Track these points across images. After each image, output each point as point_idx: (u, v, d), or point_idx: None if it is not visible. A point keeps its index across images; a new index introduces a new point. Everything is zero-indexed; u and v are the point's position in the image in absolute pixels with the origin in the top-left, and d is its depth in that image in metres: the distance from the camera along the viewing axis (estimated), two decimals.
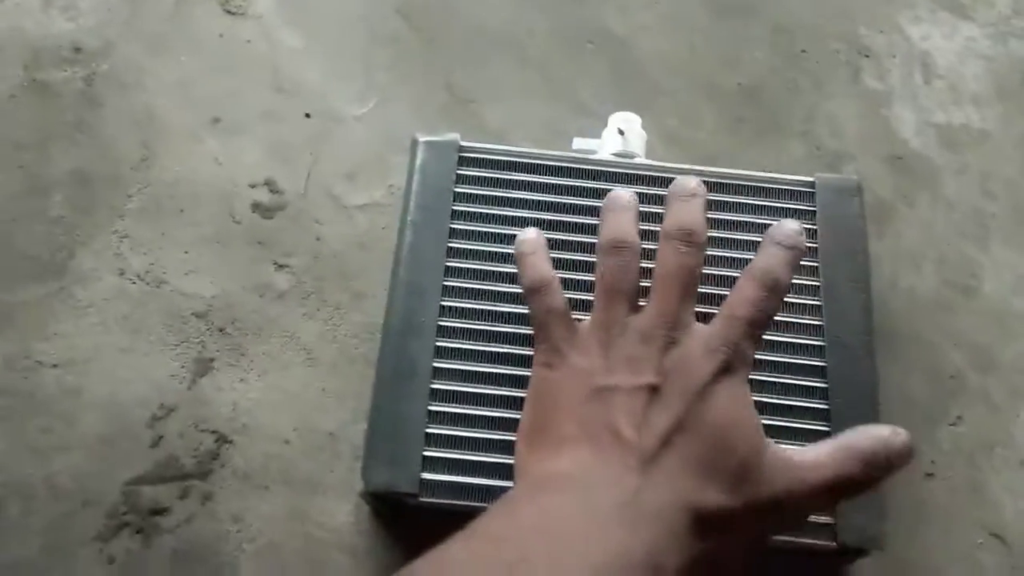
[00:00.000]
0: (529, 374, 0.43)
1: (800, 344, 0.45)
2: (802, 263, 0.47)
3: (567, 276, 0.46)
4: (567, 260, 0.46)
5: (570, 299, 0.45)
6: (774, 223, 0.41)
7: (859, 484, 0.35)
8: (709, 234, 0.47)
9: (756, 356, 0.39)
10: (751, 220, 0.48)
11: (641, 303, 0.39)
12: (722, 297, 0.45)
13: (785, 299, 0.40)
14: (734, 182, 0.49)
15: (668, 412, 0.35)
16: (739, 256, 0.47)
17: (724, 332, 0.37)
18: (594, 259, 0.46)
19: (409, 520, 0.46)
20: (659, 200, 0.48)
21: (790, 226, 0.40)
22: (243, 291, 0.51)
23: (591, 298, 0.45)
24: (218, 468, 0.47)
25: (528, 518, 0.33)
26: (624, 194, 0.42)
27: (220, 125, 0.55)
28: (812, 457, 0.35)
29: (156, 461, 0.47)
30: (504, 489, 0.41)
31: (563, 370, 0.38)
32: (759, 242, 0.46)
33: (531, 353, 0.44)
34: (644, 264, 0.41)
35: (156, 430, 0.48)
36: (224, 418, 0.48)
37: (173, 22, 0.59)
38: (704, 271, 0.46)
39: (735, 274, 0.46)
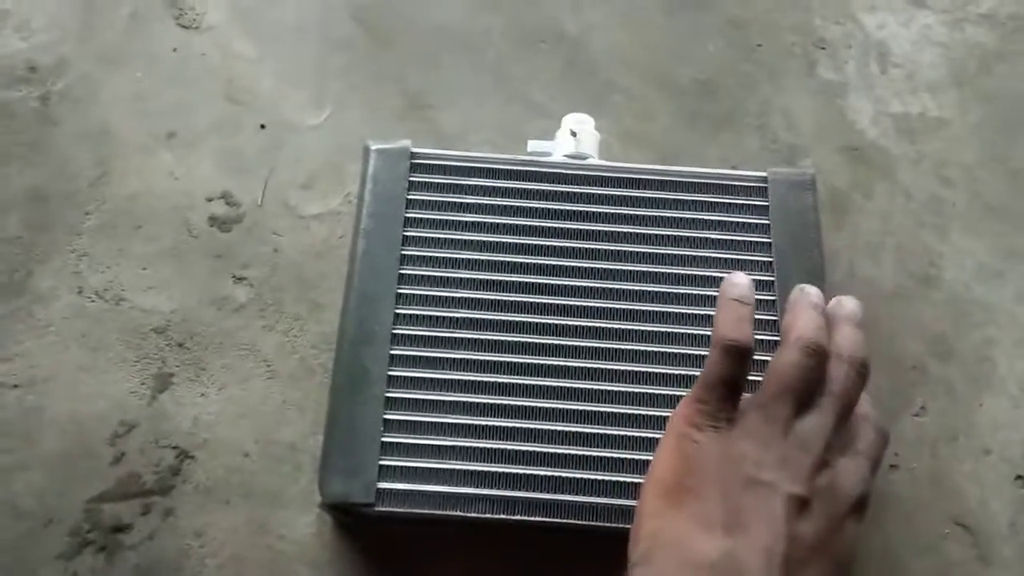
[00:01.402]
0: (484, 378, 0.44)
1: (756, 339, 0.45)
2: (756, 258, 0.47)
3: (519, 280, 0.46)
4: (520, 264, 0.46)
5: (517, 302, 0.45)
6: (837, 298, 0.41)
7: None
8: (667, 233, 0.47)
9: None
10: (705, 217, 0.48)
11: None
12: (677, 296, 0.46)
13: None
14: (687, 180, 0.49)
15: (814, 530, 0.35)
16: (695, 254, 0.47)
17: (865, 473, 0.38)
18: (548, 261, 0.46)
19: (372, 530, 0.46)
20: (615, 201, 0.48)
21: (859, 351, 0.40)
22: (202, 305, 0.51)
23: (538, 300, 0.45)
24: (179, 483, 0.47)
25: None
26: (816, 291, 0.42)
27: (175, 139, 0.55)
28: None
29: (118, 478, 0.47)
30: (463, 496, 0.41)
31: (718, 445, 0.37)
32: (714, 240, 0.47)
33: (488, 358, 0.44)
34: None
35: (117, 447, 0.48)
36: (185, 433, 0.48)
37: (127, 38, 0.58)
38: (660, 269, 0.46)
39: (692, 272, 0.46)
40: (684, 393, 0.43)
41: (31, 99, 0.56)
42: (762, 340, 0.45)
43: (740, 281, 0.40)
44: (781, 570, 0.34)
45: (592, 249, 0.47)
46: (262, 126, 0.56)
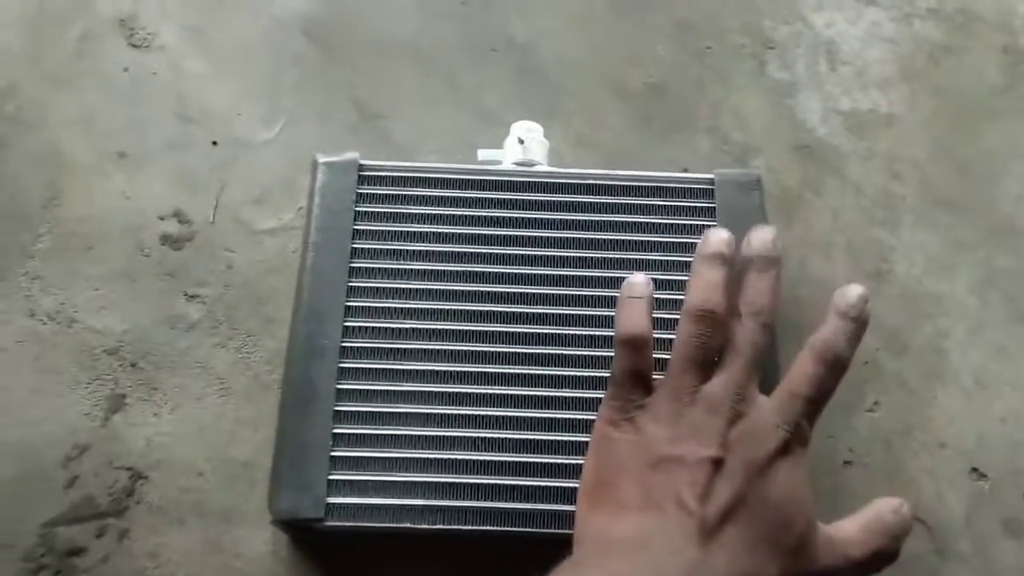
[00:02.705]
0: (434, 389, 0.44)
1: None
2: None
3: (469, 288, 0.46)
4: (469, 272, 0.46)
5: (468, 311, 0.45)
6: (838, 289, 0.41)
7: (885, 557, 0.38)
8: (616, 237, 0.47)
9: (662, 356, 0.40)
10: (653, 221, 0.48)
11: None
12: (615, 300, 0.46)
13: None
14: (635, 184, 0.49)
15: (730, 486, 0.35)
16: (643, 257, 0.47)
17: (786, 410, 0.38)
18: (498, 269, 0.46)
19: (328, 546, 0.45)
20: (564, 207, 0.48)
21: (855, 292, 0.40)
22: (154, 324, 0.51)
23: (489, 308, 0.45)
24: (133, 505, 0.47)
25: None
26: (715, 249, 0.42)
27: (127, 159, 0.55)
28: (849, 534, 0.38)
29: (71, 502, 0.47)
30: (416, 508, 0.41)
31: (630, 433, 0.38)
32: (663, 243, 0.47)
33: (439, 368, 0.44)
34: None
35: (70, 470, 0.47)
36: (138, 454, 0.48)
37: (77, 59, 0.58)
38: (609, 274, 0.46)
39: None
40: None
41: None
42: None
43: (635, 280, 0.41)
44: (699, 535, 0.34)
45: (543, 256, 0.47)
46: (214, 143, 0.56)
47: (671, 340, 0.40)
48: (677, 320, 0.41)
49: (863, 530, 0.38)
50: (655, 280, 0.46)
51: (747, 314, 0.40)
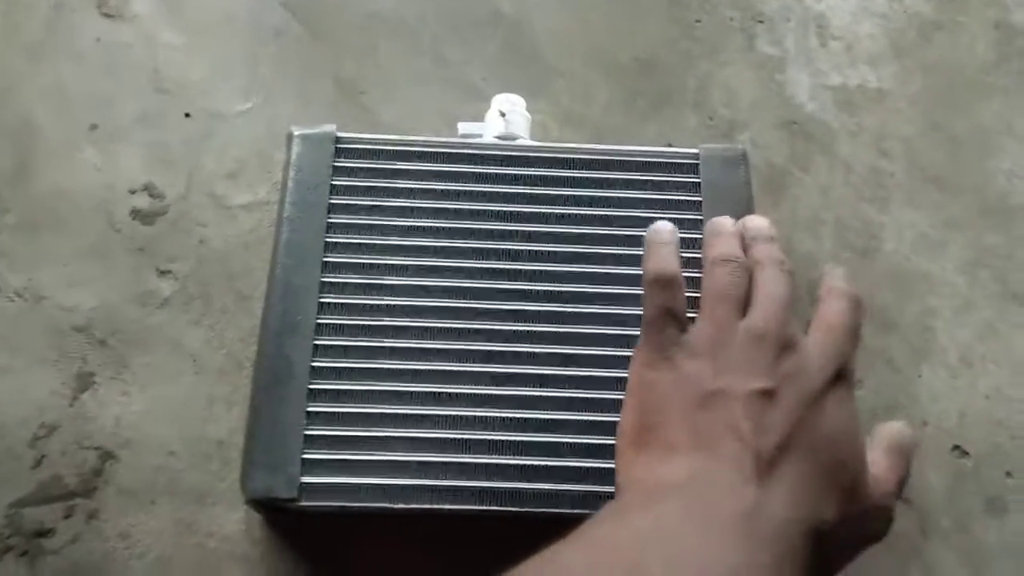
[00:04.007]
0: (410, 366, 0.42)
1: (688, 317, 0.44)
2: (688, 235, 0.46)
3: (447, 264, 0.45)
4: (448, 247, 0.45)
5: (447, 287, 0.44)
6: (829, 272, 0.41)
7: (906, 480, 0.37)
8: (599, 212, 0.46)
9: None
10: (637, 196, 0.47)
11: None
12: (608, 276, 0.45)
13: None
14: (619, 158, 0.48)
15: (785, 418, 0.33)
16: (628, 233, 0.46)
17: (828, 344, 0.36)
18: (478, 244, 0.45)
19: (303, 525, 0.44)
20: (546, 182, 0.47)
21: (840, 273, 0.40)
22: (125, 301, 0.49)
23: (468, 284, 0.44)
24: (103, 485, 0.45)
25: (642, 525, 0.31)
26: (727, 220, 0.42)
27: (98, 131, 0.54)
28: (882, 467, 0.36)
29: (39, 481, 0.45)
30: (392, 487, 0.40)
31: (671, 373, 0.36)
32: (646, 218, 0.46)
33: (417, 345, 0.43)
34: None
35: (38, 450, 0.46)
36: (107, 433, 0.46)
37: (48, 29, 0.57)
38: (591, 249, 0.45)
39: (623, 252, 0.45)
40: (611, 374, 0.42)
41: None
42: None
43: (662, 226, 0.41)
44: (756, 473, 0.32)
45: (523, 231, 0.46)
46: (187, 115, 0.54)
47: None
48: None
49: (889, 458, 0.37)
50: (635, 256, 0.45)
51: (769, 263, 0.38)
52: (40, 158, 0.53)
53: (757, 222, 0.41)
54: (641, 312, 0.39)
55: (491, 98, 0.51)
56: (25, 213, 0.51)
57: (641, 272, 0.39)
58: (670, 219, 0.45)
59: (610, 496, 0.37)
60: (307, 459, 0.41)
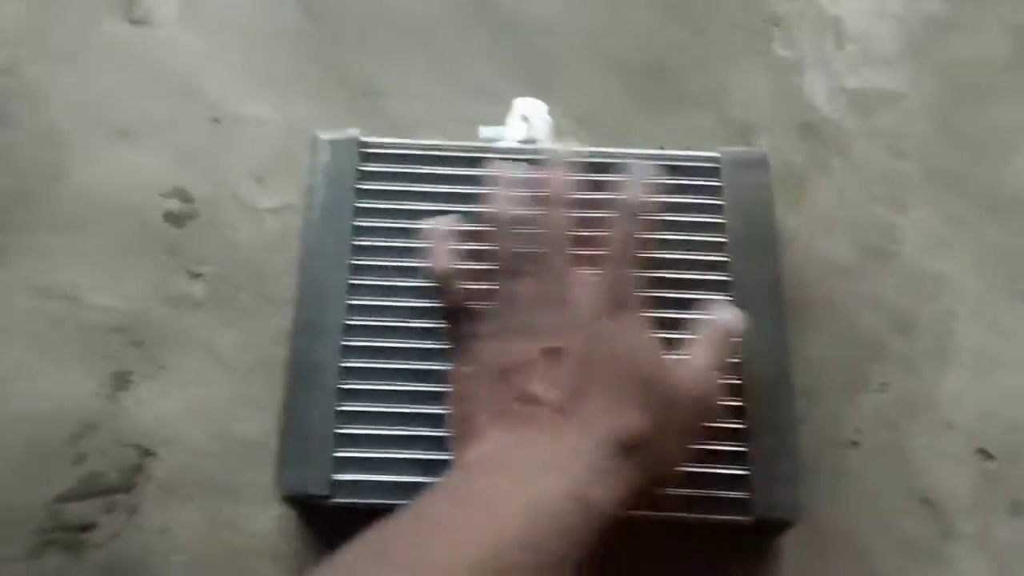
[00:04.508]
0: (437, 367, 0.44)
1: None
2: (709, 239, 0.47)
3: (472, 267, 0.45)
4: (472, 250, 0.46)
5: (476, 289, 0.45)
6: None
7: (723, 358, 0.41)
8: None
9: (662, 335, 0.40)
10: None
11: None
12: None
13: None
14: (638, 161, 0.48)
15: (571, 368, 0.36)
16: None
17: (603, 278, 0.39)
18: None
19: (336, 523, 0.45)
20: None
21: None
22: (158, 303, 0.51)
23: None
24: (142, 481, 0.47)
25: (461, 494, 0.35)
26: (502, 171, 0.44)
27: (128, 136, 0.55)
28: (700, 356, 0.40)
29: (80, 477, 0.47)
30: (421, 485, 0.41)
31: (471, 364, 0.39)
32: (666, 221, 0.47)
33: (442, 346, 0.44)
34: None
35: (78, 447, 0.48)
36: (145, 432, 0.48)
37: (78, 36, 0.58)
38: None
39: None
40: None
41: None
42: None
43: (431, 226, 0.44)
44: (553, 424, 0.35)
45: None
46: (215, 119, 0.55)
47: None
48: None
49: (702, 345, 0.40)
50: (660, 259, 0.46)
51: (548, 203, 0.41)
52: (73, 162, 0.54)
53: (558, 151, 0.44)
54: (661, 313, 0.41)
55: (507, 101, 0.52)
56: (59, 216, 0.53)
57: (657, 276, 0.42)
58: (690, 222, 0.47)
59: None
60: (338, 457, 0.42)
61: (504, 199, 0.42)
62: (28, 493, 0.47)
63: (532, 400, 0.36)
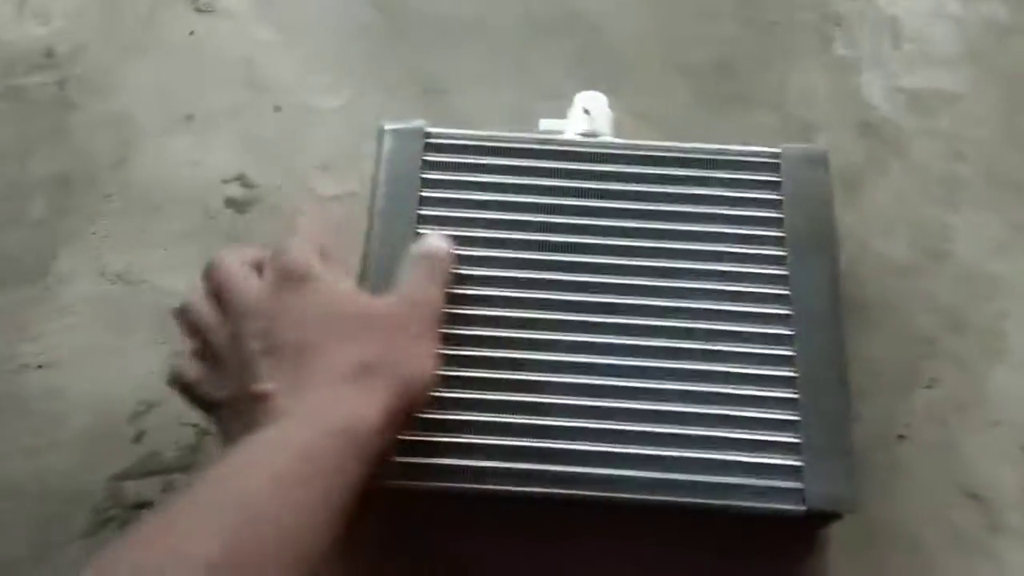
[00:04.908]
0: (500, 355, 0.45)
1: (766, 313, 0.45)
2: (768, 233, 0.47)
3: (534, 257, 0.46)
4: (534, 241, 0.47)
5: (533, 279, 0.46)
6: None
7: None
8: (681, 209, 0.47)
9: (720, 328, 0.43)
10: (718, 193, 0.48)
11: None
12: (688, 272, 0.46)
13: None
14: (699, 156, 0.49)
15: (250, 352, 0.38)
16: (705, 229, 0.47)
17: (268, 267, 0.41)
18: (563, 239, 0.47)
19: (388, 506, 0.46)
20: (628, 178, 0.48)
21: None
22: None
23: (554, 277, 0.46)
24: (200, 461, 0.48)
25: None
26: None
27: (193, 123, 0.56)
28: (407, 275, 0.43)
29: (139, 456, 0.48)
30: (479, 469, 0.42)
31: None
32: (727, 215, 0.47)
33: (504, 335, 0.45)
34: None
35: (138, 426, 0.48)
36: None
37: (144, 23, 0.59)
38: (672, 245, 0.47)
39: (704, 248, 0.47)
40: (689, 367, 0.44)
41: (49, 85, 0.57)
42: (767, 314, 0.45)
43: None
44: (250, 400, 0.37)
45: (606, 226, 0.47)
46: (277, 108, 0.56)
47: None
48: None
49: (412, 266, 0.44)
50: (719, 252, 0.46)
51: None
52: (139, 147, 0.55)
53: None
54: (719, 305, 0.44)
55: (567, 96, 0.53)
56: (125, 199, 0.54)
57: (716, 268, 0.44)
58: (749, 216, 0.47)
59: (680, 482, 0.42)
60: (403, 440, 0.42)
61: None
62: (89, 471, 0.48)
63: (262, 397, 0.37)
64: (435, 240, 0.45)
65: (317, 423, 0.35)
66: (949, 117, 0.56)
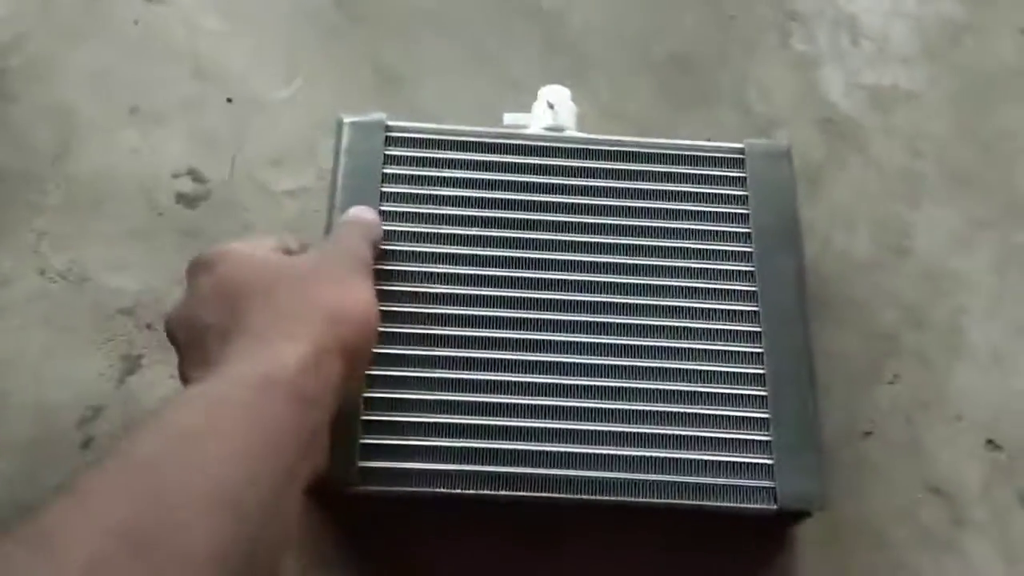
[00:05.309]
0: (465, 354, 0.43)
1: (735, 310, 0.45)
2: (734, 229, 0.47)
3: (496, 253, 0.45)
4: (498, 237, 0.46)
5: (496, 276, 0.45)
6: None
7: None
8: (645, 205, 0.47)
9: (692, 325, 0.43)
10: (682, 189, 0.48)
11: None
12: (653, 268, 0.46)
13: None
14: (664, 151, 0.48)
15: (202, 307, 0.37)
16: (670, 225, 0.47)
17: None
18: (527, 234, 0.46)
19: (356, 511, 0.45)
20: (593, 173, 0.47)
21: None
22: (170, 284, 0.49)
23: (517, 274, 0.45)
24: None
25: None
26: None
27: (139, 115, 0.54)
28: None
29: (87, 463, 0.45)
30: (446, 473, 0.41)
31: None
32: (692, 211, 0.47)
33: (467, 333, 0.44)
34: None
35: (86, 431, 0.46)
36: None
37: (87, 11, 0.56)
38: (637, 241, 0.46)
39: (669, 244, 0.46)
40: (657, 365, 0.44)
41: None
42: (736, 311, 0.45)
43: None
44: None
45: (571, 222, 0.46)
46: (229, 100, 0.54)
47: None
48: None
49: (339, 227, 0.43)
50: (686, 248, 0.46)
51: None
52: (81, 140, 0.53)
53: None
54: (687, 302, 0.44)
55: (528, 89, 0.52)
56: (67, 195, 0.51)
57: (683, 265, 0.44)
58: (714, 212, 0.47)
59: (650, 483, 0.41)
60: (365, 444, 0.41)
61: None
62: (35, 478, 0.45)
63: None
64: (361, 209, 0.44)
65: (229, 377, 0.33)
66: (907, 114, 0.57)
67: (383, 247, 0.45)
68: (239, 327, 0.35)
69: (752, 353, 0.44)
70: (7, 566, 0.24)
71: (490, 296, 0.45)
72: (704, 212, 0.47)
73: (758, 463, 0.42)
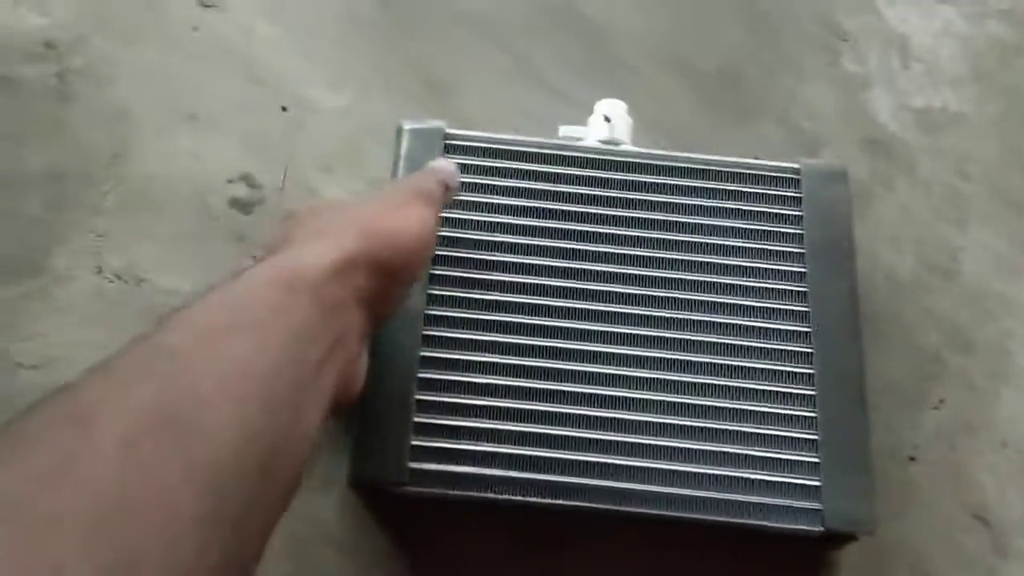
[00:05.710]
0: (516, 361, 0.44)
1: (786, 330, 0.45)
2: (787, 249, 0.47)
3: (552, 264, 0.46)
4: (553, 248, 0.46)
5: (550, 286, 0.46)
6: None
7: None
8: (700, 221, 0.47)
9: (740, 343, 0.44)
10: (737, 207, 0.48)
11: None
12: (707, 284, 0.46)
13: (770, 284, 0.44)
14: (719, 168, 0.48)
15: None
16: (723, 242, 0.47)
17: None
18: (581, 246, 0.46)
19: (398, 512, 0.45)
20: (648, 188, 0.48)
21: None
22: None
23: (571, 285, 0.46)
24: None
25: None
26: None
27: (195, 120, 0.55)
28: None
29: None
30: (494, 478, 0.41)
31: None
32: (746, 229, 0.47)
33: (519, 341, 0.44)
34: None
35: None
36: None
37: (146, 16, 0.58)
38: (694, 258, 0.46)
39: (723, 261, 0.46)
40: (708, 381, 0.44)
41: (48, 76, 0.55)
42: (787, 331, 0.45)
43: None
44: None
45: (625, 236, 0.47)
46: (283, 108, 0.55)
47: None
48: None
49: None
50: (739, 267, 0.46)
51: None
52: (138, 144, 0.54)
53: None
54: (738, 320, 0.44)
55: (574, 99, 0.53)
56: (124, 197, 0.52)
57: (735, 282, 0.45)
58: (768, 231, 0.47)
59: (696, 499, 0.42)
60: (415, 446, 0.42)
61: None
62: None
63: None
64: (441, 159, 0.46)
65: (251, 276, 0.33)
66: (955, 136, 0.57)
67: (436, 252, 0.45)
68: (284, 245, 0.36)
69: (803, 373, 0.44)
70: (55, 442, 0.25)
71: (542, 305, 0.45)
72: (758, 230, 0.47)
73: (806, 484, 0.42)
